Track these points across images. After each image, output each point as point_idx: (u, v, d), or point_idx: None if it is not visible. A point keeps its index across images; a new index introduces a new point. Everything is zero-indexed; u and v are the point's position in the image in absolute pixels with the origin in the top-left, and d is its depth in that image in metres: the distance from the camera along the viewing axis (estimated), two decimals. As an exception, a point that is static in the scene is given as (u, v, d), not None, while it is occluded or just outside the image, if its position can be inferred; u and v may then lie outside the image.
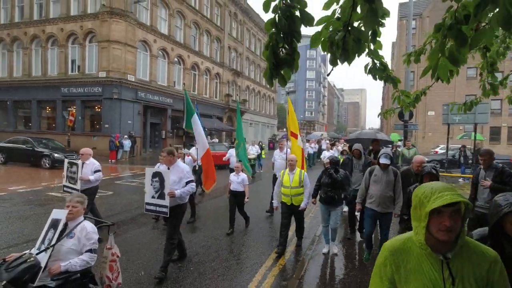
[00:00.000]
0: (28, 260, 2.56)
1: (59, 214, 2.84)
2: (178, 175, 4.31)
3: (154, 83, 21.87)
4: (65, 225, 2.82)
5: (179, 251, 4.62)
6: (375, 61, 2.27)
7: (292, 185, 4.96)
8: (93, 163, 5.63)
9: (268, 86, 44.34)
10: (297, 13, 1.30)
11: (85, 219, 2.97)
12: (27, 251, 2.69)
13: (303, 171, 5.17)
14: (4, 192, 8.74)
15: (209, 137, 22.85)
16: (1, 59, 22.77)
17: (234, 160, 8.87)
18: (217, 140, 21.19)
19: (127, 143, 17.96)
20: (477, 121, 12.20)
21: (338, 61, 1.45)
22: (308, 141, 20.47)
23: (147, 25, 21.09)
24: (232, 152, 9.52)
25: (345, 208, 6.40)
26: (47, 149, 14.44)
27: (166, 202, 4.05)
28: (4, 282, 2.40)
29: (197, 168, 7.39)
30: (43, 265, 2.56)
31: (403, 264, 1.30)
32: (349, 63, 1.46)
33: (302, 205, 5.02)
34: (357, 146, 6.07)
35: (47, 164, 13.89)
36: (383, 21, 1.82)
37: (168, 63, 23.45)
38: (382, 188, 4.31)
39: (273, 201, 5.43)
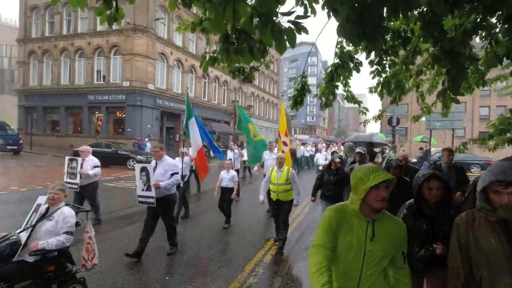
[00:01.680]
0: (11, 238, 2.91)
1: (42, 199, 3.18)
2: (164, 168, 4.64)
3: (170, 90, 23.87)
4: (48, 209, 3.13)
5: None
6: (348, 93, 4.19)
7: (280, 182, 5.08)
8: (92, 159, 5.97)
9: (271, 92, 46.36)
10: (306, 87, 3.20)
11: (66, 205, 3.22)
12: (13, 231, 3.01)
13: (290, 169, 5.27)
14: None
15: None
16: (32, 69, 24.89)
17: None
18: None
19: (148, 145, 19.87)
20: (454, 127, 14.01)
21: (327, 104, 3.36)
22: (303, 144, 21.66)
23: (165, 39, 23.15)
24: (229, 154, 9.98)
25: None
26: (129, 152, 16.00)
27: (153, 193, 4.40)
28: None
29: (193, 168, 7.50)
30: (23, 242, 2.86)
31: (342, 223, 1.67)
32: (329, 106, 3.36)
33: (295, 202, 5.18)
34: (360, 149, 6.08)
35: (132, 165, 15.03)
36: (349, 80, 3.73)
37: (182, 72, 25.48)
38: None
39: (259, 196, 5.54)
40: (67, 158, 5.87)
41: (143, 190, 4.51)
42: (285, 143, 7.03)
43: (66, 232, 2.99)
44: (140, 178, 4.53)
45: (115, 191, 9.72)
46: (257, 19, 1.49)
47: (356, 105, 4.74)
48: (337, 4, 1.55)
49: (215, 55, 2.48)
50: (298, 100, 3.24)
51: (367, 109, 4.88)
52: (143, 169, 4.51)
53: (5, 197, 8.11)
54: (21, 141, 18.35)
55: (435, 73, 5.23)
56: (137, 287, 3.80)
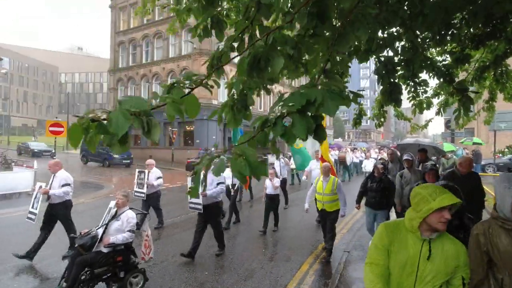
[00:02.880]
0: (91, 233, 3.58)
1: (112, 204, 3.84)
2: (211, 178, 4.88)
3: (230, 105, 26.34)
4: (116, 211, 3.73)
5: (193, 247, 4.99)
6: (397, 112, 5.25)
7: (325, 192, 4.98)
8: (156, 171, 6.46)
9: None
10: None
11: (130, 208, 3.77)
12: (93, 228, 3.69)
13: (336, 179, 5.15)
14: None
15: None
16: (119, 94, 29.69)
17: (278, 169, 8.73)
18: None
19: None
20: (521, 127, 13.36)
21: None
22: (353, 150, 20.87)
23: (225, 59, 25.80)
24: (275, 163, 9.62)
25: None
26: None
27: (200, 200, 4.88)
28: (77, 245, 3.46)
29: None
30: (99, 237, 3.52)
31: (395, 240, 1.65)
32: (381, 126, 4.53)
33: (341, 213, 5.06)
34: (408, 155, 5.58)
35: None
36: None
37: (240, 87, 27.87)
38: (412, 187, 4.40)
39: (305, 204, 5.58)
40: (137, 170, 6.51)
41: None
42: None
43: (130, 230, 3.59)
44: None
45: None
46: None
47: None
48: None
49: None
50: (357, 121, 4.45)
51: (417, 125, 5.81)
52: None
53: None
54: (132, 156, 21.59)
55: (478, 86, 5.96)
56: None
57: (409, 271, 1.60)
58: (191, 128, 24.98)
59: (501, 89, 4.93)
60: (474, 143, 17.12)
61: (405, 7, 2.51)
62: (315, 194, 5.26)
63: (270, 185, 6.56)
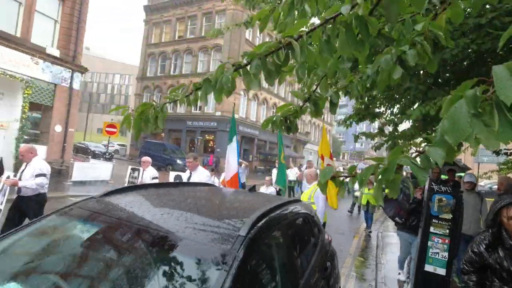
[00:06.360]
0: None
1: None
2: (199, 178, 4.86)
3: (248, 119, 29.18)
4: None
5: None
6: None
7: (302, 199, 4.58)
8: (151, 170, 5.96)
9: (326, 120, 50.14)
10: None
11: None
12: None
13: (317, 187, 4.33)
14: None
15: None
16: (144, 100, 32.34)
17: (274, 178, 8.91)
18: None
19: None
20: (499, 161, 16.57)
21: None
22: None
23: (247, 78, 28.90)
24: (274, 171, 10.41)
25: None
26: None
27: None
28: None
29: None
30: None
31: None
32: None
33: None
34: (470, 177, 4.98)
35: None
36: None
37: (257, 104, 30.85)
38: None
39: None
40: (129, 167, 6.05)
41: None
42: (329, 165, 7.73)
43: None
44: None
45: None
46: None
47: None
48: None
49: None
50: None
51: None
52: (177, 177, 4.88)
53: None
54: None
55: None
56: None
57: None
58: (211, 137, 27.69)
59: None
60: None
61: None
62: None
63: (265, 192, 6.44)
